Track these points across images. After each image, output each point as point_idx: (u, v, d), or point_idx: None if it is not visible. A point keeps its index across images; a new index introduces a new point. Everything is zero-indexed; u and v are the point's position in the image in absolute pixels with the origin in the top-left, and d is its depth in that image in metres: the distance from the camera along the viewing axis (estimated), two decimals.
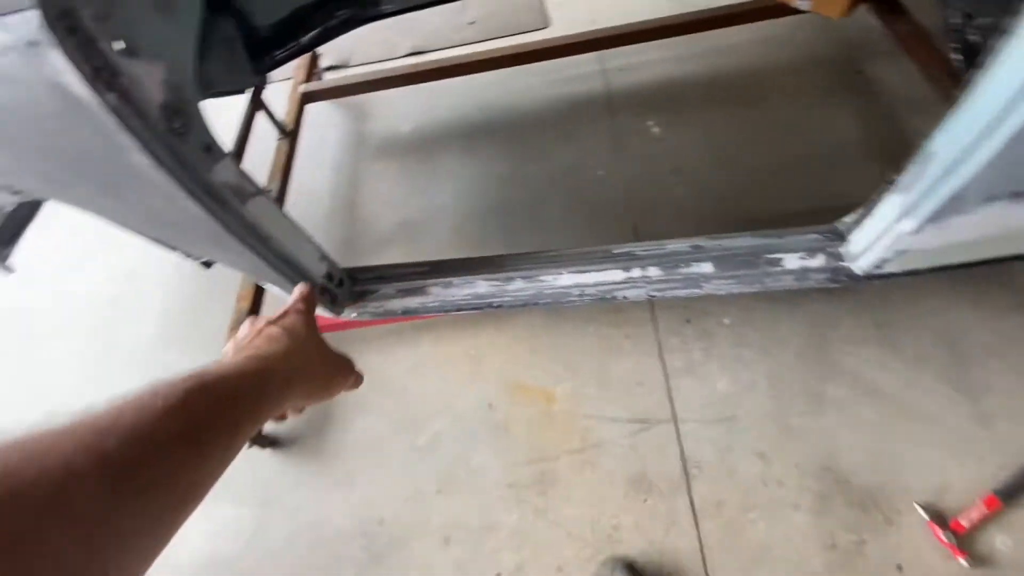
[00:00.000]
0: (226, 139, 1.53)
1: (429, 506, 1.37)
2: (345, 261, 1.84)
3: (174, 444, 0.31)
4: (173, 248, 1.14)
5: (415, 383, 1.56)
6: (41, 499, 0.23)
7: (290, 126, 1.96)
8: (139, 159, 0.67)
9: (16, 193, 1.01)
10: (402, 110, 2.23)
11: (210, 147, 0.75)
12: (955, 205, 0.83)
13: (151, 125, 0.65)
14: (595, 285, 1.13)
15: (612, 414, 1.42)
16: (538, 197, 1.85)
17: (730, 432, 1.33)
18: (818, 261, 1.06)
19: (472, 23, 2.43)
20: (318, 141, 2.19)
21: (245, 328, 0.50)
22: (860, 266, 1.03)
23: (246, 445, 0.40)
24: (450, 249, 1.80)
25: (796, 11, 1.75)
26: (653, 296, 1.12)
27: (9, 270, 1.22)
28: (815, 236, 1.08)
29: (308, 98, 2.05)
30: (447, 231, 1.85)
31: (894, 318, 1.40)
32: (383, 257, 1.83)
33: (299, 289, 0.56)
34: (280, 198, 1.79)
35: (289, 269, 0.97)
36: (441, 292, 1.17)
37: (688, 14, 1.89)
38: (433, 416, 1.50)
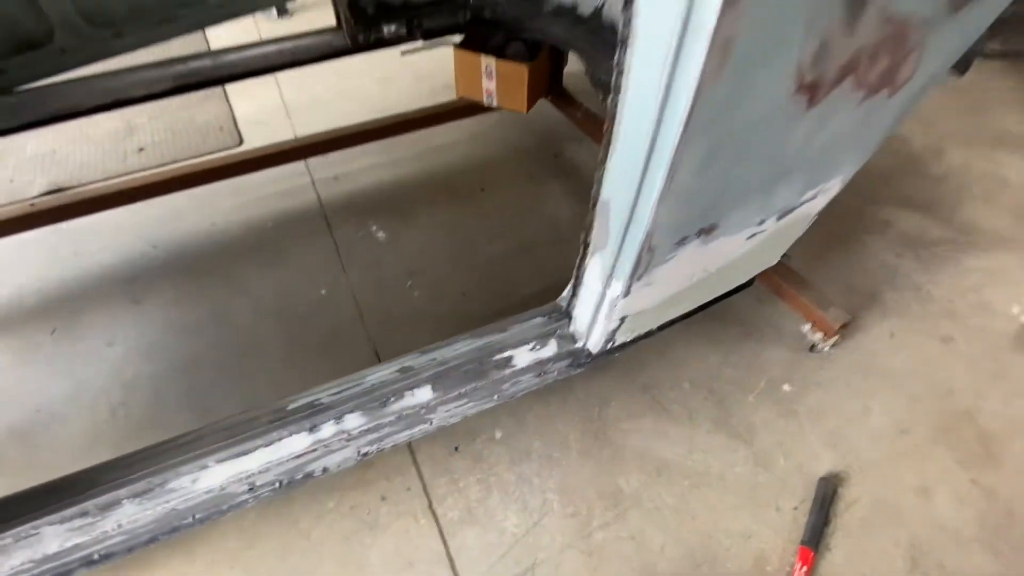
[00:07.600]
0: None
1: None
2: None
3: None
4: None
5: None
6: None
7: None
8: None
9: None
10: (27, 265, 1.60)
11: None
12: (651, 256, 0.72)
13: None
14: (269, 468, 0.73)
15: None
16: (248, 339, 1.41)
17: None
18: (551, 349, 0.88)
19: (141, 149, 1.98)
20: None
21: None
22: (594, 343, 0.88)
23: None
24: (103, 449, 1.20)
25: (490, 108, 1.84)
26: (365, 454, 0.78)
27: None
28: (540, 320, 0.91)
29: None
30: (100, 421, 1.24)
31: (655, 377, 1.32)
32: None
33: None
34: None
35: None
36: None
37: (388, 118, 1.82)
38: None
